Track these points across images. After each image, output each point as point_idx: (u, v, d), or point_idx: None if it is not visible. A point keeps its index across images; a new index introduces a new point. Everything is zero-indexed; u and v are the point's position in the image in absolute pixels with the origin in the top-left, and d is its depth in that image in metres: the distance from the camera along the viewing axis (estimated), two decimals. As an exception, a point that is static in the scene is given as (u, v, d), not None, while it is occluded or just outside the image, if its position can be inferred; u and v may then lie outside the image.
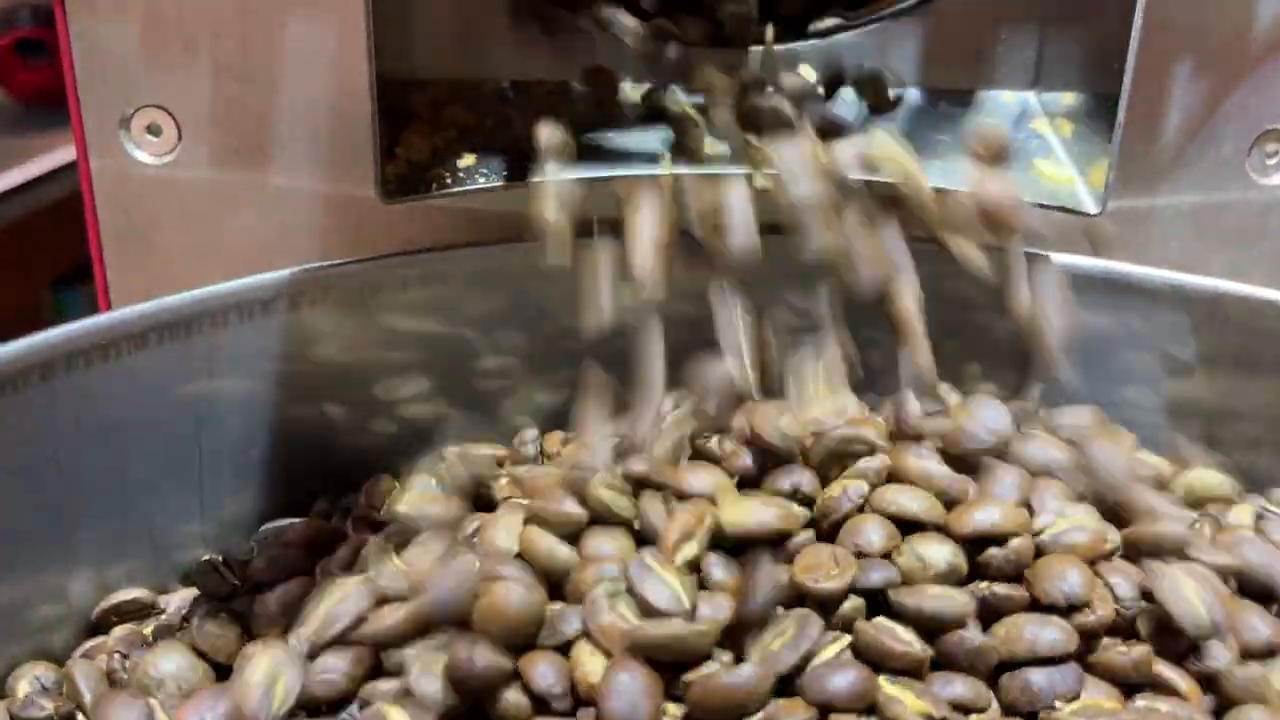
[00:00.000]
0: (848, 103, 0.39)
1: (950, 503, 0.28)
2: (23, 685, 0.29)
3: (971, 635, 0.26)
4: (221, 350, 0.35)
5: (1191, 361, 0.37)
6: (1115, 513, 0.30)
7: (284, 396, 0.36)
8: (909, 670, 0.25)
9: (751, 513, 0.28)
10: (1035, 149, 0.38)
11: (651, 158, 0.36)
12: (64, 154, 0.90)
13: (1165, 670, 0.26)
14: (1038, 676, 0.26)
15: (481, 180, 0.36)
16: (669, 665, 0.25)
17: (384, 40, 0.33)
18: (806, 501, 0.29)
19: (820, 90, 0.38)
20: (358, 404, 0.38)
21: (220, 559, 0.33)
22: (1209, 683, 0.26)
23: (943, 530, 0.28)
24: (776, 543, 0.28)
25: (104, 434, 0.33)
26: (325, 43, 0.37)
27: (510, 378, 0.38)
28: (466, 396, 0.38)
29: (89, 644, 0.32)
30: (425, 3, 0.38)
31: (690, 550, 0.27)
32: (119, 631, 0.31)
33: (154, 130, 0.38)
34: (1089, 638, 0.26)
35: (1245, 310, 0.36)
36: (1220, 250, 0.41)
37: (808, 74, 0.38)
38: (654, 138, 0.37)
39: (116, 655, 0.30)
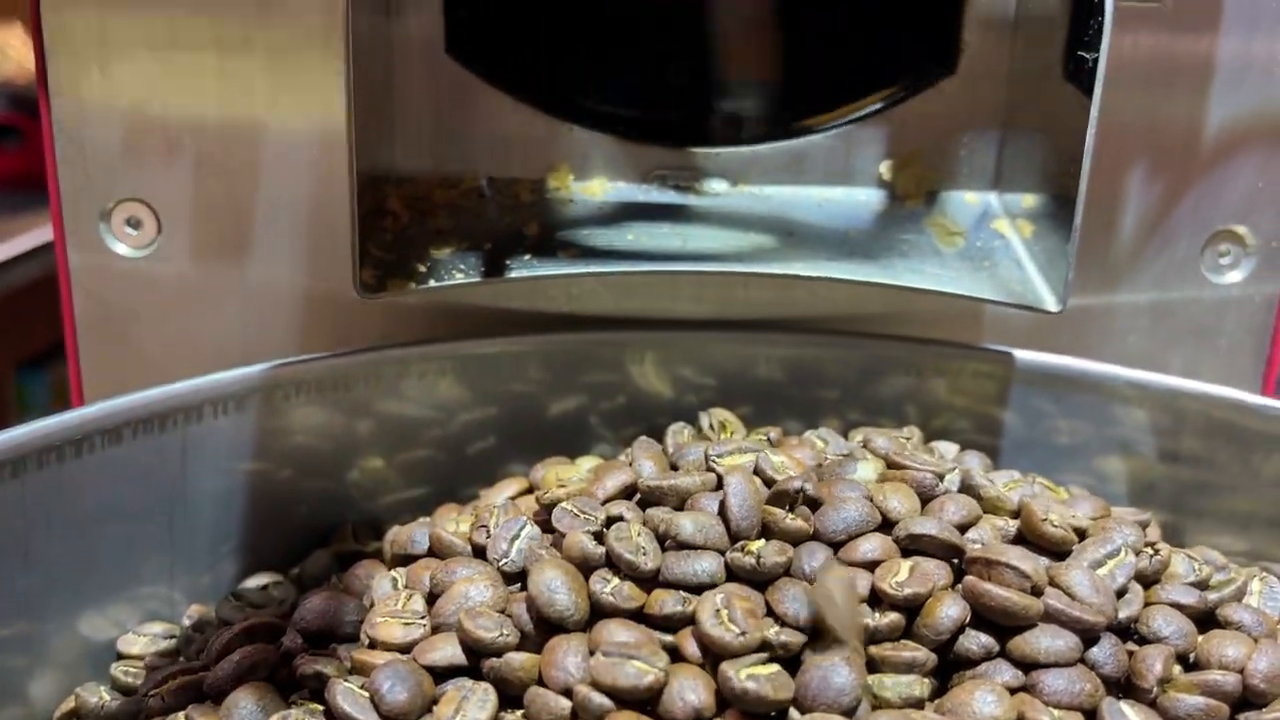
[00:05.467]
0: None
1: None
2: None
3: None
4: (195, 444, 0.35)
5: (1152, 458, 0.37)
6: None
7: (257, 491, 0.36)
8: None
9: None
10: (997, 249, 0.39)
11: (621, 255, 0.37)
12: (32, 239, 0.90)
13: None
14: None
15: (459, 276, 0.36)
16: None
17: (364, 136, 0.34)
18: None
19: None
20: (331, 499, 0.37)
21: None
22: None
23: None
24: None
25: (74, 529, 0.32)
26: (306, 140, 0.38)
27: (485, 467, 0.39)
28: (442, 490, 0.38)
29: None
30: (405, 101, 0.39)
31: None
32: (81, 733, 0.31)
33: (133, 223, 0.39)
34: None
35: (1203, 408, 0.36)
36: (1178, 346, 0.42)
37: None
38: (624, 235, 0.38)
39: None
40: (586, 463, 0.36)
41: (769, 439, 0.35)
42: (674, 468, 0.33)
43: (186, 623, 0.34)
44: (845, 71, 0.41)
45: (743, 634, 0.26)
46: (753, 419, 0.38)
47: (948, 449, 0.37)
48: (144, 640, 0.33)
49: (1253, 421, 0.36)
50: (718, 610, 0.26)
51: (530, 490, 0.35)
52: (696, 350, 0.39)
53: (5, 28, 1.07)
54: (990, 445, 0.39)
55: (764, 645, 0.26)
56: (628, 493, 0.31)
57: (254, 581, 0.36)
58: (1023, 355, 0.38)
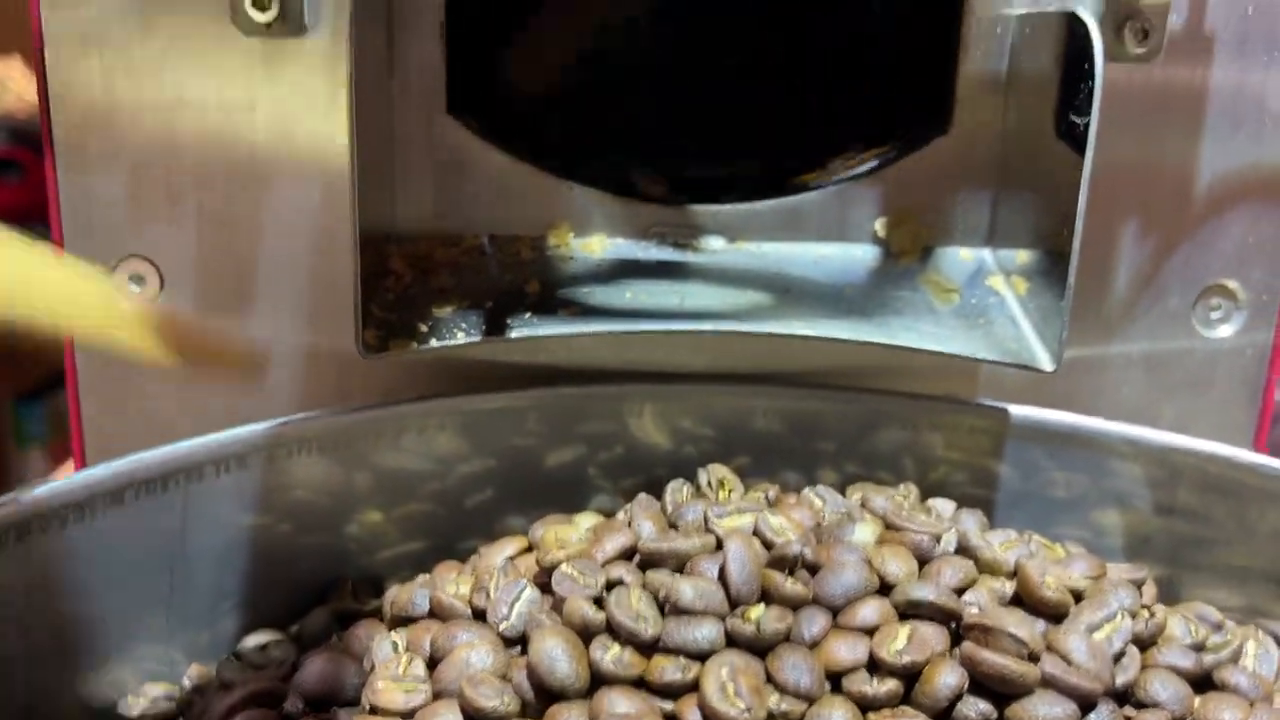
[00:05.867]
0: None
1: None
2: None
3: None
4: (196, 503, 0.35)
5: (1147, 513, 0.38)
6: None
7: (258, 547, 0.36)
8: None
9: None
10: (992, 306, 0.39)
11: (620, 314, 0.38)
12: (32, 272, 0.90)
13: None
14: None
15: (460, 334, 0.36)
16: None
17: (366, 196, 0.35)
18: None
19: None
20: (331, 554, 0.38)
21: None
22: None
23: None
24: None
25: (75, 590, 0.32)
26: (309, 199, 0.38)
27: (484, 520, 0.39)
28: (441, 544, 0.38)
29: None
30: (406, 160, 0.40)
31: None
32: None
33: (136, 280, 0.39)
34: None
35: (1197, 464, 0.37)
36: (1171, 398, 0.42)
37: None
38: (622, 293, 0.39)
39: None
40: (585, 520, 0.36)
41: (767, 498, 0.35)
42: (673, 526, 0.33)
43: (187, 684, 0.34)
44: (840, 130, 0.41)
45: (748, 710, 0.26)
46: (751, 470, 0.39)
47: (944, 507, 0.37)
48: (143, 702, 0.33)
49: (1247, 477, 0.36)
50: (723, 685, 0.26)
51: (530, 549, 0.35)
52: (695, 402, 0.40)
53: (5, 61, 1.07)
54: (987, 498, 0.39)
55: (767, 716, 0.26)
56: (627, 554, 0.32)
57: (253, 640, 0.36)
58: (1017, 411, 0.39)
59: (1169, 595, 0.37)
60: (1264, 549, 0.36)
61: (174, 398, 0.40)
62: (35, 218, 0.40)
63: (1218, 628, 0.33)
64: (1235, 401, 0.43)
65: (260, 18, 0.36)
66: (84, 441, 0.40)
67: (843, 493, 0.38)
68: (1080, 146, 0.34)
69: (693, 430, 0.40)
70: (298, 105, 0.37)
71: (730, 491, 0.36)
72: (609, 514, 0.38)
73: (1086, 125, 0.34)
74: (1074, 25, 0.35)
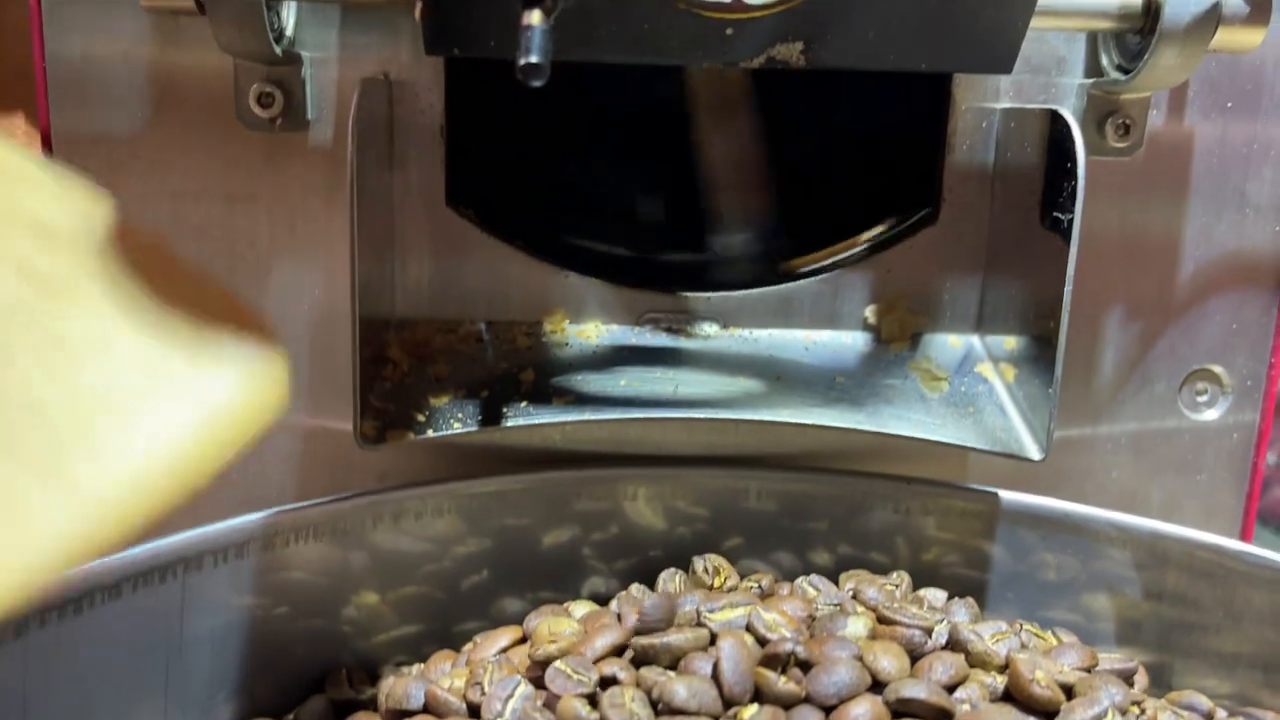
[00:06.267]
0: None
1: None
2: None
3: None
4: (193, 593, 0.35)
5: (1137, 597, 0.38)
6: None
7: (254, 634, 0.36)
8: None
9: None
10: (980, 395, 0.40)
11: (615, 401, 0.38)
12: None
13: None
14: None
15: (456, 424, 0.37)
16: None
17: (366, 285, 0.35)
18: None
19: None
20: (326, 638, 0.38)
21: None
22: None
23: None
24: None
25: (72, 682, 0.33)
26: (310, 289, 0.39)
27: (480, 601, 0.39)
28: (436, 627, 0.39)
29: None
30: (405, 251, 0.40)
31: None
32: None
33: (137, 366, 0.39)
34: None
35: (1184, 550, 0.37)
36: (1159, 480, 0.43)
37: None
38: (617, 381, 0.39)
39: None
40: (579, 609, 0.36)
41: (760, 588, 0.35)
42: (667, 617, 0.34)
43: (182, 776, 0.34)
44: (831, 220, 0.42)
45: None
46: (744, 550, 0.39)
47: (936, 597, 0.37)
48: (138, 796, 0.33)
49: (1233, 563, 0.37)
50: None
51: (524, 639, 0.35)
52: (688, 485, 0.40)
53: (8, 119, 1.09)
54: (978, 579, 0.40)
55: None
56: (620, 649, 0.32)
57: (249, 730, 0.36)
58: (1008, 496, 0.39)
59: (1160, 681, 0.37)
60: (1251, 635, 0.36)
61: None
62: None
63: (1208, 718, 0.33)
64: (1223, 482, 0.43)
65: (264, 114, 0.37)
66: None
67: (835, 577, 0.38)
68: (1065, 238, 0.35)
69: (686, 511, 0.40)
70: (299, 197, 0.38)
71: (725, 579, 0.36)
72: (603, 599, 0.38)
73: (1071, 221, 0.35)
74: (1056, 120, 0.36)
